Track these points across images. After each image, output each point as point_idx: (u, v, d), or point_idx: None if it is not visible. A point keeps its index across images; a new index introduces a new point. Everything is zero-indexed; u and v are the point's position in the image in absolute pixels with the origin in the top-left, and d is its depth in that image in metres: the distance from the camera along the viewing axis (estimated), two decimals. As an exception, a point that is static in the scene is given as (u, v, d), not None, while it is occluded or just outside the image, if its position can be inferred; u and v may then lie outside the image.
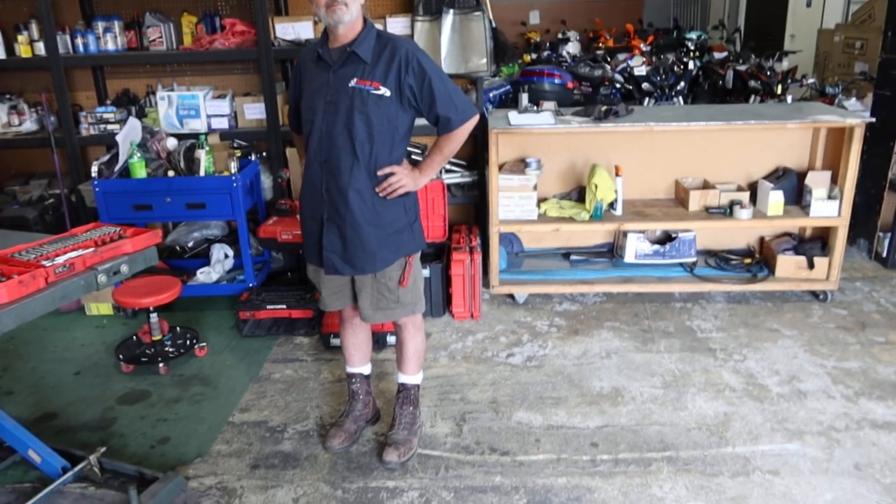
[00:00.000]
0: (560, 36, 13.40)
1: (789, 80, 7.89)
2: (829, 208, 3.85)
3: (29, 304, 1.86)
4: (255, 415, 3.11)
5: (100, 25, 4.34)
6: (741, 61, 8.57)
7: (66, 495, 2.61)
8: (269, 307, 3.82)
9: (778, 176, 4.11)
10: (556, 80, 4.36)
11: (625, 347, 3.60)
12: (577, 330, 3.81)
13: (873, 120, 3.75)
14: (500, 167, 4.07)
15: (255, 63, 4.35)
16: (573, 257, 4.30)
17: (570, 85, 4.36)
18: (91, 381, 3.45)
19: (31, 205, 4.23)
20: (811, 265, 3.95)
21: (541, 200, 4.18)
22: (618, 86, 5.95)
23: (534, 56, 11.48)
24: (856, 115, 3.82)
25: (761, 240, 4.32)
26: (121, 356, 3.51)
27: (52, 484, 2.53)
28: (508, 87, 6.50)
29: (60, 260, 2.00)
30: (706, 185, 4.16)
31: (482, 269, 4.12)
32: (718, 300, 4.11)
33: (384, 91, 2.34)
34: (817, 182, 3.92)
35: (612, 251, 4.34)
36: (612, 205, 4.01)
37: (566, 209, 4.04)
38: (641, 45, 10.58)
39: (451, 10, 3.89)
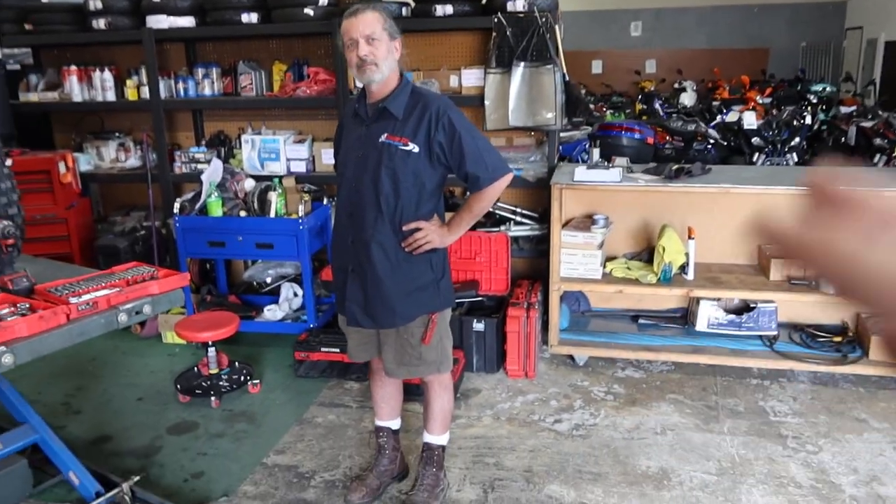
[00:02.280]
0: (676, 86, 13.07)
1: (922, 140, 7.22)
2: (934, 287, 3.41)
3: (46, 339, 1.97)
4: (289, 458, 3.13)
5: (199, 72, 4.67)
6: (870, 117, 7.98)
7: (97, 519, 2.71)
8: (323, 349, 3.86)
9: (877, 247, 3.71)
10: (636, 136, 4.19)
11: (684, 424, 3.33)
12: (635, 400, 3.58)
13: None
14: (568, 223, 3.95)
15: (337, 110, 4.49)
16: (641, 321, 4.07)
17: (650, 140, 4.18)
18: (150, 407, 3.62)
19: (124, 235, 4.55)
20: (912, 350, 3.51)
21: (609, 259, 4.01)
22: (711, 141, 5.66)
23: (644, 106, 11.26)
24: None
25: (857, 316, 3.90)
26: (178, 386, 3.65)
27: (84, 507, 2.65)
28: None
29: (85, 298, 2.11)
30: (793, 253, 3.82)
31: (543, 327, 3.99)
32: (802, 380, 3.73)
33: (412, 147, 2.33)
34: (922, 257, 3.50)
35: (685, 318, 4.06)
36: (683, 268, 3.77)
37: (633, 270, 3.84)
38: (758, 98, 10.12)
39: (522, 64, 3.86)
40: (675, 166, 3.59)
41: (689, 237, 3.73)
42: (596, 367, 3.94)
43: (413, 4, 4.25)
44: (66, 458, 2.76)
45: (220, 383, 3.66)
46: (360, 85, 4.27)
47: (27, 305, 2.07)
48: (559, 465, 3.02)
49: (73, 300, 2.10)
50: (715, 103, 10.74)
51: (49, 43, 4.92)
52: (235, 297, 4.55)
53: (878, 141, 7.41)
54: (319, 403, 3.62)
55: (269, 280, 4.72)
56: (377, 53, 2.29)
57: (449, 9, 4.07)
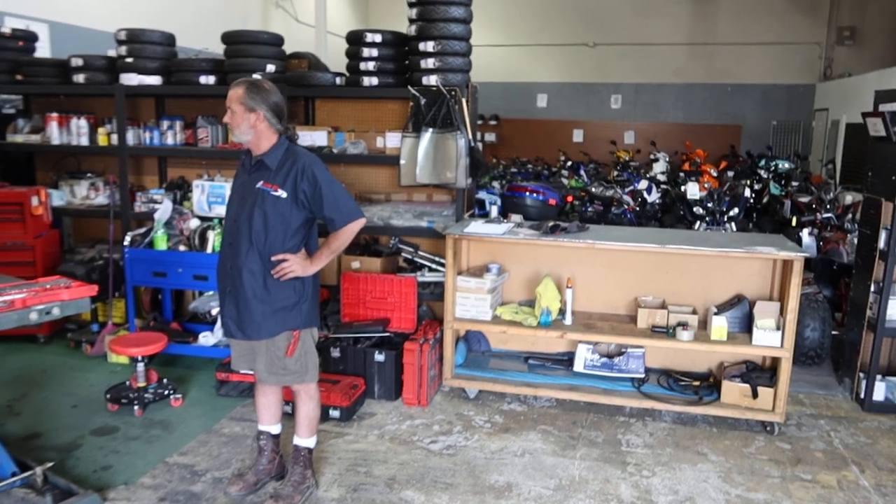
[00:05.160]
0: (651, 156, 13.76)
1: (850, 215, 7.79)
2: (771, 338, 3.89)
3: (-35, 327, 2.48)
4: (189, 459, 3.58)
5: (164, 124, 5.30)
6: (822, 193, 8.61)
7: (11, 496, 3.15)
8: (242, 371, 4.32)
9: (733, 303, 4.20)
10: (540, 197, 4.75)
11: (542, 450, 3.76)
12: (508, 428, 4.01)
13: (807, 255, 3.81)
14: (467, 270, 4.47)
15: (280, 162, 5.08)
16: (531, 361, 4.52)
17: (552, 201, 4.73)
18: (81, 413, 4.08)
19: (83, 264, 5.10)
20: (755, 394, 3.96)
21: (504, 304, 4.51)
22: (626, 207, 6.21)
23: (615, 174, 11.86)
24: (792, 248, 3.90)
25: (719, 364, 4.35)
26: (108, 396, 4.12)
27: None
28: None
29: (4, 298, 2.63)
30: (663, 306, 4.31)
31: (441, 362, 4.45)
32: (666, 419, 4.16)
33: (281, 193, 2.88)
34: (764, 312, 3.99)
35: (571, 360, 4.52)
36: (563, 314, 4.25)
37: (520, 314, 4.33)
38: (711, 171, 10.76)
39: (431, 129, 4.46)
40: (552, 223, 4.13)
41: (567, 286, 4.23)
42: (487, 400, 4.38)
43: (347, 75, 4.89)
44: (-11, 444, 3.23)
45: (146, 395, 4.13)
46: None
47: (-45, 302, 2.60)
48: (420, 475, 3.46)
49: (-6, 300, 2.62)
50: (681, 174, 11.42)
51: (35, 92, 5.59)
52: (178, 325, 5.05)
53: (807, 215, 7.98)
54: (230, 417, 4.08)
55: (213, 311, 5.23)
56: (232, 121, 2.91)
57: (375, 80, 4.70)
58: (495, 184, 8.72)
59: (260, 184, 2.91)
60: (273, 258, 2.91)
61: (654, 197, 6.81)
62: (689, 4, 15.22)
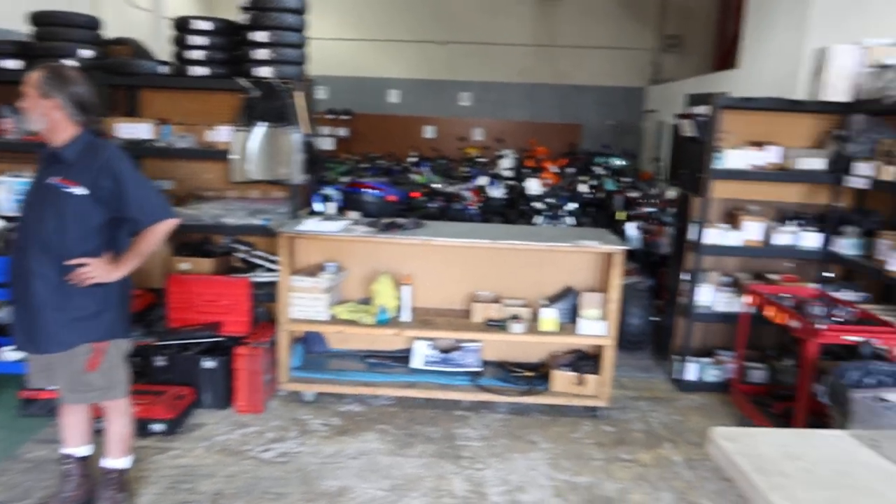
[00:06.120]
0: (497, 153, 14.16)
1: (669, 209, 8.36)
2: (596, 327, 4.09)
3: None
4: (-18, 491, 3.19)
5: (-42, 113, 4.68)
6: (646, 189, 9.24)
7: None
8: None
9: (562, 295, 4.38)
10: (378, 193, 4.74)
11: (379, 450, 3.73)
12: (346, 430, 3.94)
13: (628, 248, 4.06)
14: (305, 269, 4.34)
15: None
16: (370, 360, 4.48)
17: (389, 198, 4.73)
18: None
19: None
20: (581, 381, 4.15)
21: (343, 302, 4.43)
22: (466, 203, 6.35)
23: (465, 170, 12.09)
24: (614, 242, 4.13)
25: (549, 355, 4.53)
26: None
27: None
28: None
29: None
30: (498, 300, 4.42)
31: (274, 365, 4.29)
32: (501, 410, 4.27)
33: (79, 190, 2.62)
34: (589, 303, 4.19)
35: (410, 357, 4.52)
36: (402, 310, 4.24)
37: (358, 312, 4.26)
38: (551, 167, 11.29)
39: (264, 123, 4.27)
40: (387, 220, 4.10)
41: (405, 283, 4.22)
42: (325, 402, 4.28)
43: (176, 63, 4.58)
44: None
45: (-68, 420, 3.64)
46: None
47: None
48: (249, 487, 3.30)
49: None
50: (525, 170, 11.86)
51: None
52: (-24, 337, 4.50)
53: (635, 210, 8.54)
54: (37, 440, 3.69)
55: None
56: (25, 105, 2.65)
57: (204, 70, 4.43)
58: (344, 179, 8.60)
59: (53, 179, 2.63)
60: (69, 262, 2.64)
61: (498, 192, 6.99)
62: (534, 7, 15.87)
